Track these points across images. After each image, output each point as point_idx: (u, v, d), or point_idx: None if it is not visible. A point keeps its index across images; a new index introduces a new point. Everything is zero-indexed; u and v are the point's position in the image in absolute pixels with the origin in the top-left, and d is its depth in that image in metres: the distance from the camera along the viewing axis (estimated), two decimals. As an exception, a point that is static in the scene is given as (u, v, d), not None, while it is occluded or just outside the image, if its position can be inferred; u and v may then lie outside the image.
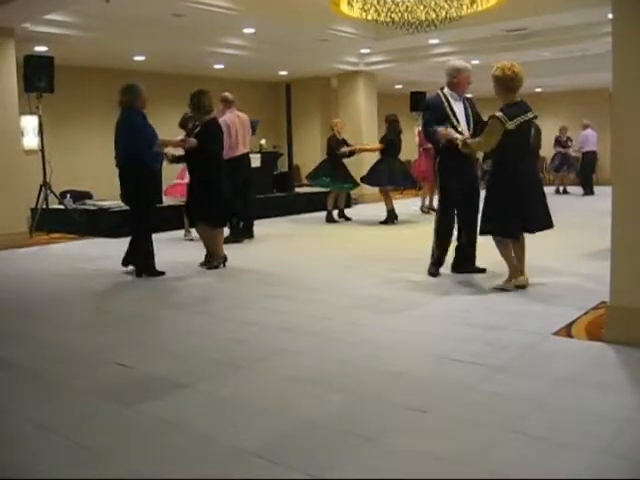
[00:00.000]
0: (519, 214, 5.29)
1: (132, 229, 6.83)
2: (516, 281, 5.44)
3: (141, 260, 6.66)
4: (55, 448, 2.78)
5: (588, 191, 15.75)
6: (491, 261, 5.94)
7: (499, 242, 5.46)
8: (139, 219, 6.66)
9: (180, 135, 9.02)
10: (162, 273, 6.66)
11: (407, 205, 12.60)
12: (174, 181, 9.59)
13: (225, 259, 7.04)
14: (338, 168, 11.09)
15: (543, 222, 5.46)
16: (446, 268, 6.20)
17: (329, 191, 11.42)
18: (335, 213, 11.46)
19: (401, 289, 5.73)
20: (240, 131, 8.80)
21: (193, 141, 6.86)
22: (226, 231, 7.94)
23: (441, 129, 5.75)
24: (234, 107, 8.89)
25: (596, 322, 4.37)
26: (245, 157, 8.97)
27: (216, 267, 6.95)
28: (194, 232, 8.50)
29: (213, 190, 6.87)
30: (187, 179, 8.97)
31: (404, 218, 11.12)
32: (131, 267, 6.75)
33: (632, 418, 2.94)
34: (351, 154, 11.26)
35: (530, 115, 5.33)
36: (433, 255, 6.16)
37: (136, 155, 6.41)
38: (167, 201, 9.52)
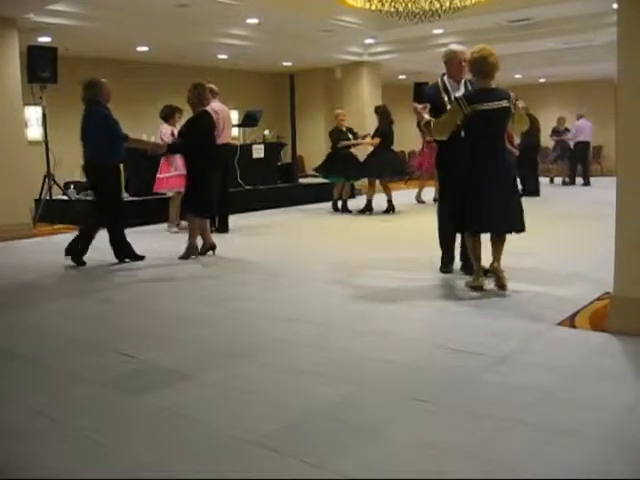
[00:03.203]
0: (474, 209, 5.00)
1: (98, 220, 6.89)
2: (476, 281, 5.19)
3: (120, 247, 6.86)
4: (57, 439, 2.79)
5: (572, 181, 15.88)
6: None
7: (466, 237, 5.25)
8: (105, 210, 6.79)
9: (163, 126, 9.09)
10: (142, 257, 6.94)
11: (411, 196, 12.58)
12: (158, 175, 9.30)
13: (211, 247, 7.14)
14: (341, 160, 11.07)
15: (502, 225, 5.06)
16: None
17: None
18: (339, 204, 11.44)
19: (402, 279, 5.72)
20: (227, 122, 8.95)
21: (162, 149, 7.42)
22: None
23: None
24: (218, 99, 8.92)
25: (600, 312, 4.37)
26: (225, 148, 8.96)
27: (186, 258, 7.00)
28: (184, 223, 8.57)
29: (197, 181, 6.96)
30: (173, 172, 9.02)
31: (409, 209, 11.09)
32: (69, 259, 6.86)
33: (636, 408, 2.95)
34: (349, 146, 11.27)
35: (504, 104, 5.00)
36: (441, 249, 5.98)
37: (99, 149, 6.59)
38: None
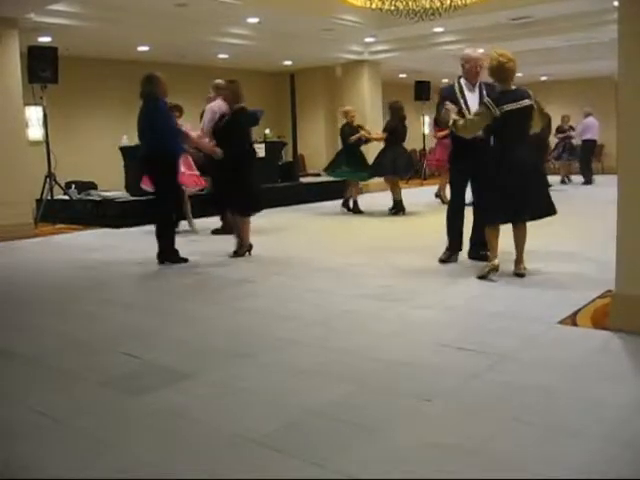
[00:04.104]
0: (508, 202, 5.24)
1: (157, 216, 6.83)
2: (488, 268, 5.40)
3: (165, 246, 6.69)
4: (57, 439, 2.79)
5: (587, 179, 15.61)
6: (504, 245, 5.77)
7: (488, 228, 5.44)
8: (163, 204, 6.73)
9: None
10: (185, 260, 6.73)
11: (415, 194, 12.56)
12: None
13: (250, 247, 7.08)
14: (355, 157, 11.00)
15: (539, 210, 5.40)
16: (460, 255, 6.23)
17: (345, 180, 11.35)
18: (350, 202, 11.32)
19: (406, 278, 5.72)
20: None
21: (218, 153, 7.03)
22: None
23: (449, 105, 5.73)
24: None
25: (601, 310, 4.37)
26: None
27: (241, 255, 6.99)
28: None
29: (241, 179, 6.93)
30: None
31: (415, 208, 11.05)
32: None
33: (637, 406, 2.94)
34: (362, 141, 11.10)
35: (526, 103, 5.27)
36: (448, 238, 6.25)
37: (163, 143, 6.55)
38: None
